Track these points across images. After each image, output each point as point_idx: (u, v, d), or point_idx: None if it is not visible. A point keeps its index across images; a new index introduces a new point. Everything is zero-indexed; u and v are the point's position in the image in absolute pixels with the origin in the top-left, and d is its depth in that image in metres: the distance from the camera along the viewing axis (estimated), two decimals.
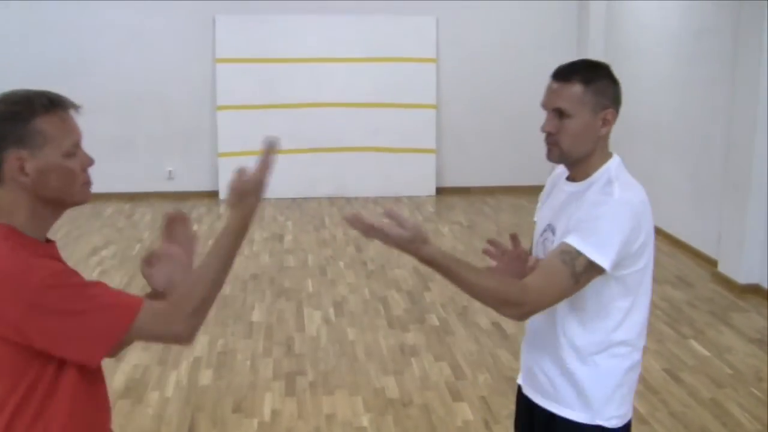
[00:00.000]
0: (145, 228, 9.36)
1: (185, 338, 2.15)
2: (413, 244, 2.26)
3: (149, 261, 2.40)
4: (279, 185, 10.77)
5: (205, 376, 5.50)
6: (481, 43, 10.97)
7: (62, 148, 2.07)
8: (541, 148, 2.54)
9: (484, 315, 6.48)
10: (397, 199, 10.73)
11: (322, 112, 10.79)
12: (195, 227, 9.26)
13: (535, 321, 2.62)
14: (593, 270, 2.37)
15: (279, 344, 6.04)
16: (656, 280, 7.62)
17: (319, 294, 7.11)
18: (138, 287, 7.21)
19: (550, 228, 2.61)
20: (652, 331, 6.23)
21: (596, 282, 2.43)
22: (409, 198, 10.83)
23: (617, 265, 2.41)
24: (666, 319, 6.51)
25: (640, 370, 2.66)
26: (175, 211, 2.49)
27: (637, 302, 2.56)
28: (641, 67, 9.45)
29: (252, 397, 5.21)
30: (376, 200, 10.69)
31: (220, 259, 2.31)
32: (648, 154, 9.20)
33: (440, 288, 7.09)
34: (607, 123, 2.53)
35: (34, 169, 2.04)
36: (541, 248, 2.65)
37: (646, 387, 5.29)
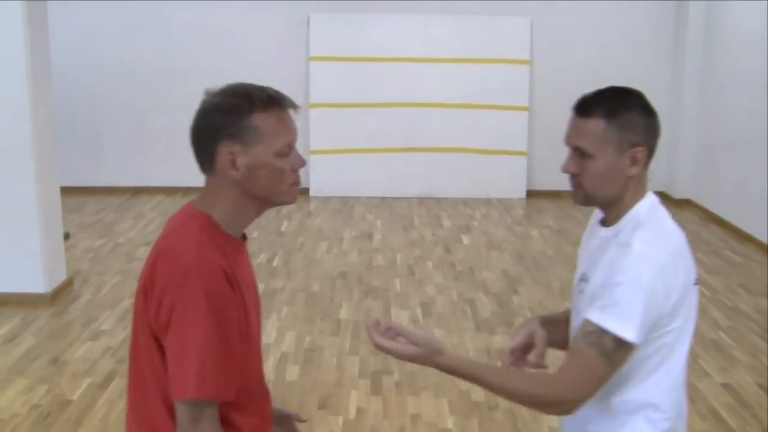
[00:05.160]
0: None
1: None
2: (430, 359, 2.14)
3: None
4: (369, 184, 10.85)
5: (292, 372, 5.55)
6: (576, 44, 10.85)
7: (275, 147, 2.07)
8: None
9: None
10: (487, 201, 10.68)
11: (413, 111, 10.80)
12: (286, 224, 9.27)
13: None
14: (624, 346, 2.11)
15: (366, 343, 6.05)
16: (750, 291, 7.46)
17: (406, 294, 7.12)
18: None
19: (584, 278, 2.33)
20: (745, 343, 6.09)
21: None
22: (499, 200, 10.77)
23: (650, 329, 2.14)
24: (760, 332, 6.35)
25: None
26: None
27: (669, 363, 2.24)
28: (741, 72, 9.23)
29: (338, 394, 5.24)
30: (465, 201, 10.66)
31: None
32: (744, 161, 8.98)
33: (529, 292, 7.04)
34: (637, 162, 2.21)
35: (244, 165, 2.05)
36: (578, 298, 2.37)
37: (738, 402, 5.16)
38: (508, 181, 10.95)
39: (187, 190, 10.61)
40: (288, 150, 2.11)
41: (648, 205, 2.25)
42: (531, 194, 10.97)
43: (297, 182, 2.18)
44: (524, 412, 4.98)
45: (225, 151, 2.05)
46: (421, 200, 10.63)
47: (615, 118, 2.19)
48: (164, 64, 10.68)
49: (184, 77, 10.64)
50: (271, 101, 2.08)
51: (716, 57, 9.95)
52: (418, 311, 6.70)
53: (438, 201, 10.63)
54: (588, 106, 2.25)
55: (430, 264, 7.98)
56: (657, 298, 2.11)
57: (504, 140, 10.88)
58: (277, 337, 6.08)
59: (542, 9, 10.78)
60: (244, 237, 2.19)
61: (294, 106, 2.13)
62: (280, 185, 2.12)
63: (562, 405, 2.15)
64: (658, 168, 10.91)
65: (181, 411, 1.96)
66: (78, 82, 10.57)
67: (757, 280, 7.54)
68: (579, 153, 2.23)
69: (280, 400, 5.14)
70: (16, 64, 6.38)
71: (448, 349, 2.16)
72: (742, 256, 8.35)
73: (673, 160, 10.57)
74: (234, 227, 2.12)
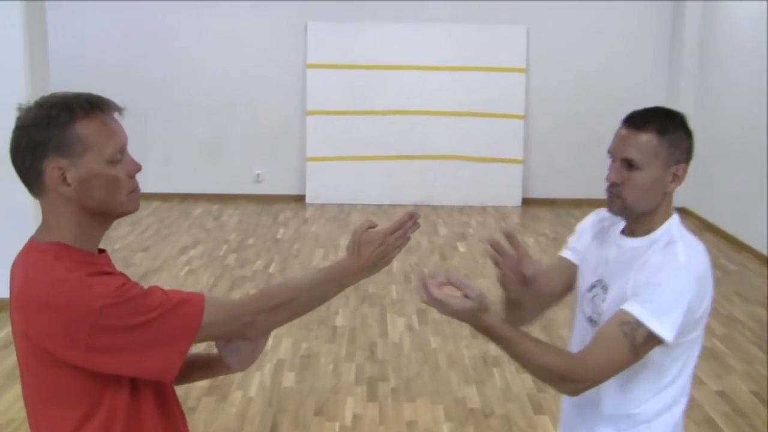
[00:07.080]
0: (233, 230, 9.50)
1: (253, 332, 2.05)
2: (476, 314, 2.14)
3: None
4: (365, 191, 10.87)
5: (288, 379, 5.57)
6: (572, 53, 10.88)
7: (105, 154, 1.90)
8: None
9: (567, 328, 6.41)
10: (483, 209, 10.70)
11: (410, 119, 10.83)
12: (282, 231, 9.26)
13: None
14: (654, 341, 2.21)
15: (362, 349, 6.08)
16: (745, 299, 7.46)
17: (403, 301, 7.13)
18: (224, 287, 7.33)
19: (602, 285, 2.41)
20: (740, 351, 6.12)
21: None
22: (495, 208, 10.79)
23: (678, 334, 2.23)
24: (755, 340, 6.37)
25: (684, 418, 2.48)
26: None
27: (686, 365, 2.39)
28: (736, 81, 9.27)
29: (334, 400, 5.26)
30: (461, 209, 10.68)
31: (309, 282, 2.20)
32: (739, 170, 9.01)
33: None
34: (677, 179, 2.31)
35: (75, 179, 1.88)
36: (589, 305, 2.46)
37: (733, 410, 5.19)
38: (504, 189, 10.97)
39: (184, 197, 10.64)
40: (120, 156, 1.94)
41: (678, 222, 2.37)
42: (527, 202, 11.00)
43: (136, 189, 1.99)
44: (519, 419, 5.00)
45: (51, 167, 1.88)
46: (418, 208, 10.63)
47: (666, 134, 2.29)
48: (162, 71, 10.70)
49: (182, 84, 10.68)
50: (92, 106, 1.92)
51: (712, 66, 9.99)
52: (414, 318, 6.71)
53: (434, 208, 10.65)
54: (641, 120, 2.32)
55: (426, 271, 7.96)
56: (692, 305, 2.23)
57: (500, 148, 10.90)
58: (274, 344, 6.09)
59: (538, 17, 10.81)
60: (100, 251, 2.02)
61: (118, 108, 1.98)
62: (117, 195, 1.93)
63: (579, 384, 2.25)
64: None
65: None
66: (76, 88, 10.46)
67: (752, 289, 7.57)
68: (626, 164, 2.30)
69: (276, 406, 5.16)
70: (15, 69, 6.38)
71: (493, 308, 2.20)
72: (737, 264, 8.37)
73: None
74: (87, 245, 1.95)
